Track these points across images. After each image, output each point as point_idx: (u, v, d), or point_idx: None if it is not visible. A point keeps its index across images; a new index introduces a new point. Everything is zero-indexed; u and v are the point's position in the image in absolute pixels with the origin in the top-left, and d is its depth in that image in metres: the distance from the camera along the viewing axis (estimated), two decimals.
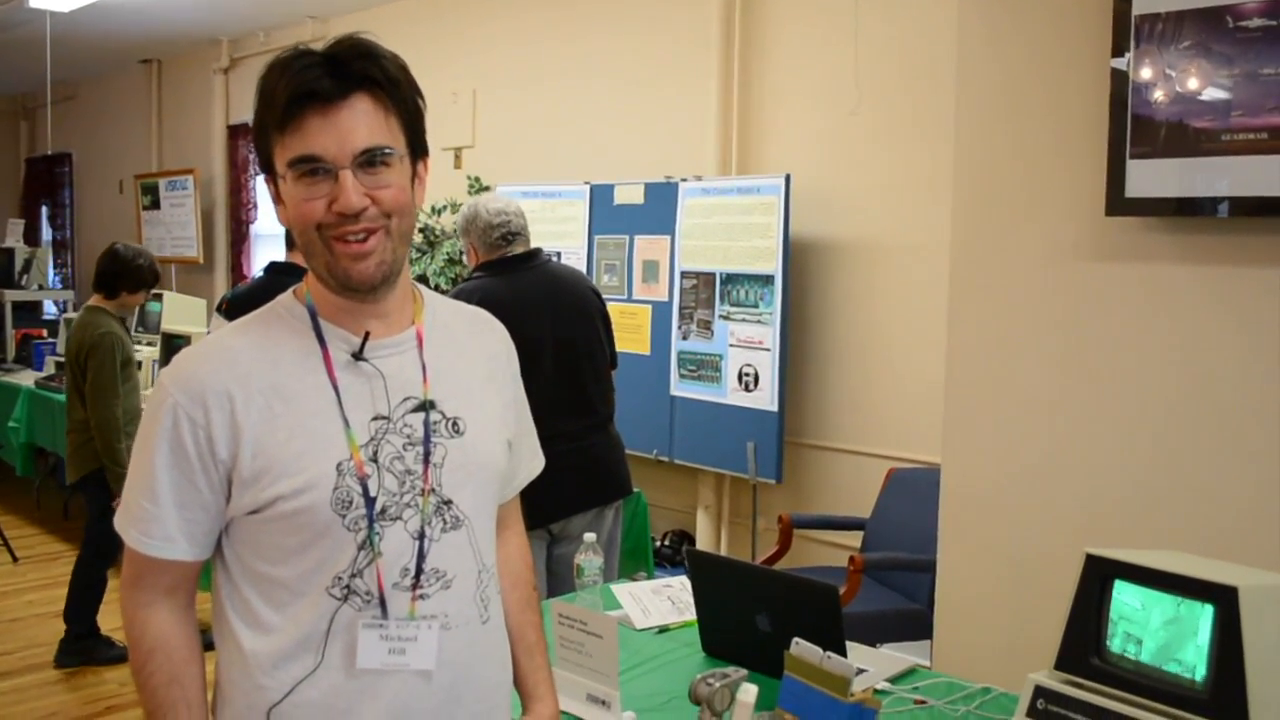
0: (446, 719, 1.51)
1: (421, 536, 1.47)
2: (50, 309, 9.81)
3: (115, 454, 4.72)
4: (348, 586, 1.44)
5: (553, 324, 3.54)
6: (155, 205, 9.57)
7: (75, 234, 11.38)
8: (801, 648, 2.06)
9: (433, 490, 1.49)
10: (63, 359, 7.43)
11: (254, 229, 8.97)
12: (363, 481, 1.43)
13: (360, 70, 1.41)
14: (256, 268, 8.52)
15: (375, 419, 1.47)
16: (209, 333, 4.25)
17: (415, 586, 1.47)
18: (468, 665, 1.53)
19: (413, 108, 1.48)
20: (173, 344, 5.27)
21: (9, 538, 6.54)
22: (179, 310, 6.00)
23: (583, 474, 3.57)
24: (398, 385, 1.50)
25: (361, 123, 1.40)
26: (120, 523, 1.47)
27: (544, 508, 3.49)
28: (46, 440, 6.93)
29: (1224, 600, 1.64)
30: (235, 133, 8.99)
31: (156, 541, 1.44)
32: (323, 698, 1.44)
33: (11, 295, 9.17)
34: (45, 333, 8.77)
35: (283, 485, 1.41)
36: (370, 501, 1.44)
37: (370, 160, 1.41)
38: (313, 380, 1.46)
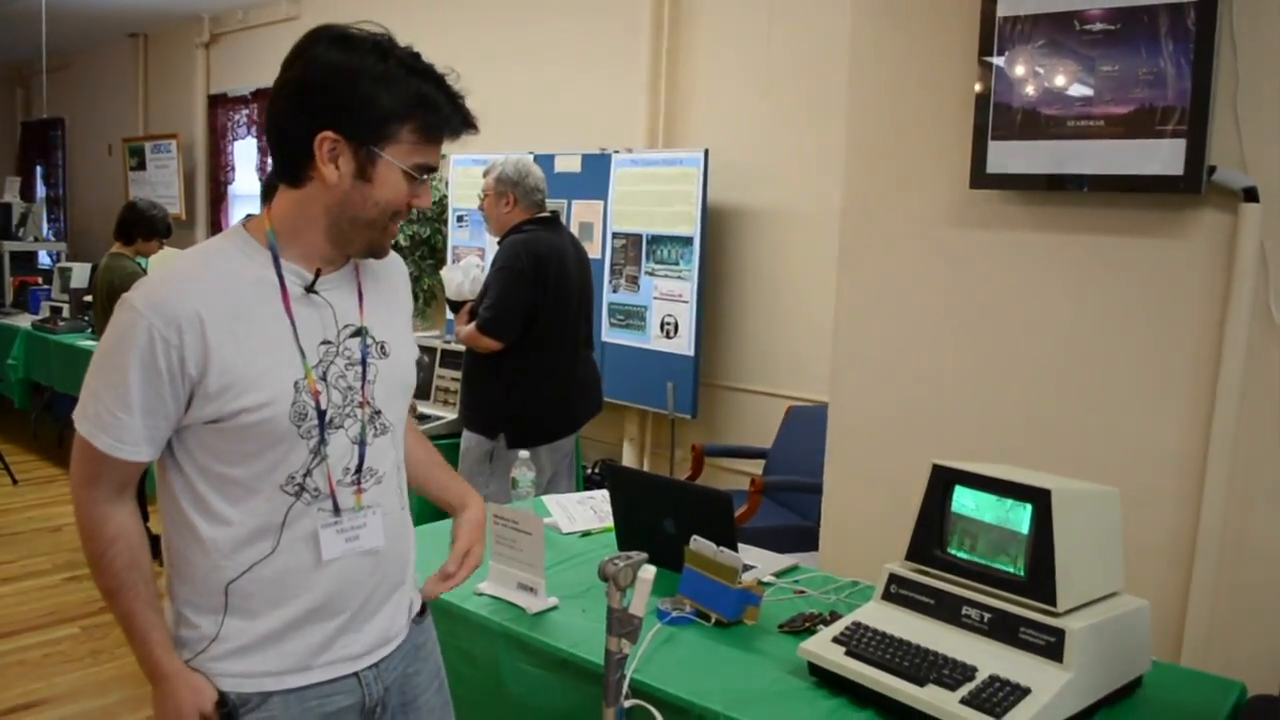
0: (377, 586, 1.63)
1: (362, 442, 1.57)
2: (44, 259, 9.65)
3: None
4: (300, 485, 1.52)
5: (578, 272, 3.90)
6: (141, 167, 9.43)
7: (67, 191, 11.14)
8: (699, 543, 2.18)
9: (367, 403, 1.58)
10: (58, 304, 7.37)
11: (232, 189, 8.85)
12: (315, 398, 1.51)
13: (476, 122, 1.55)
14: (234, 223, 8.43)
15: (323, 343, 1.54)
16: None
17: (357, 483, 1.57)
18: (392, 544, 1.65)
19: None
20: None
21: (9, 462, 6.50)
22: (162, 262, 5.96)
23: (593, 392, 4.07)
24: (341, 314, 1.57)
25: None
26: (88, 429, 1.47)
27: (566, 422, 3.95)
28: (42, 376, 6.88)
29: (1040, 501, 1.77)
30: (215, 102, 8.85)
31: (128, 447, 1.47)
32: (276, 575, 1.53)
33: (9, 246, 9.04)
34: (40, 280, 8.65)
35: (247, 399, 1.46)
36: (321, 414, 1.52)
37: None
38: (270, 309, 1.50)
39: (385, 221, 1.52)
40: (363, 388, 1.57)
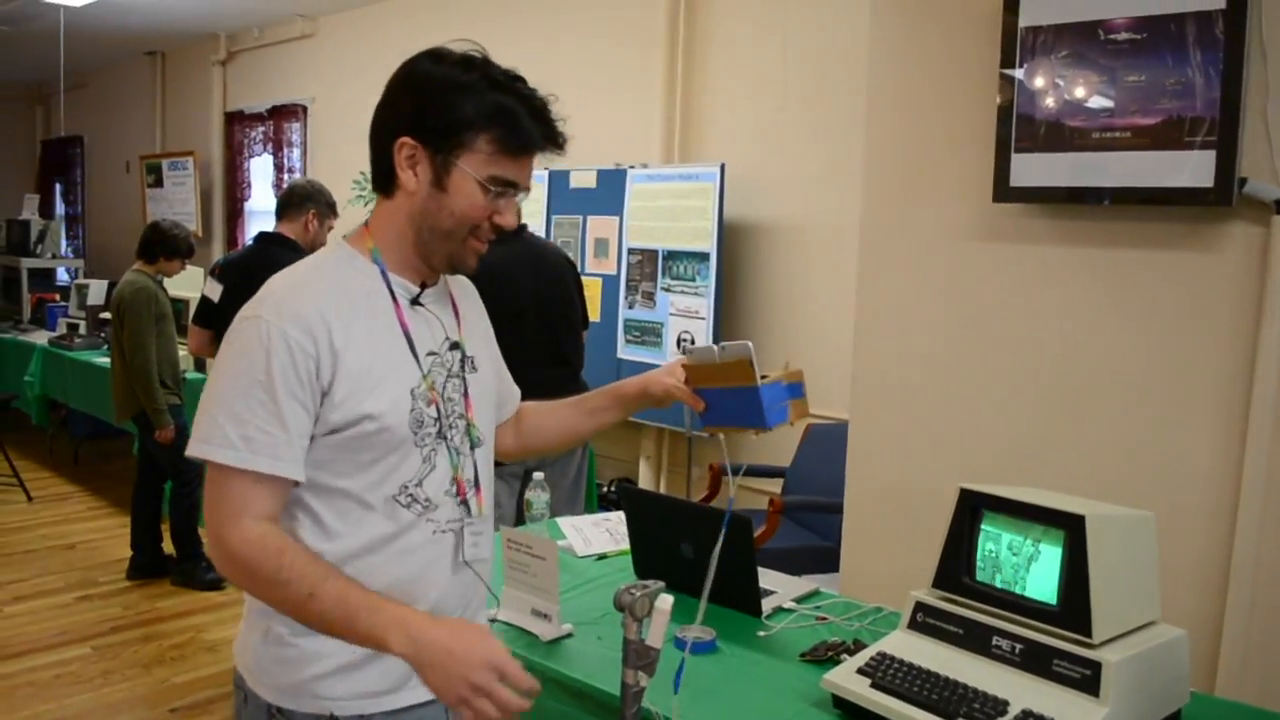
0: (471, 599, 1.63)
1: (472, 450, 1.58)
2: (62, 276, 9.66)
3: (153, 394, 4.76)
4: (411, 495, 1.50)
5: (534, 287, 3.62)
6: (159, 184, 9.44)
7: (85, 209, 11.19)
8: (694, 353, 1.84)
9: (465, 415, 1.58)
10: (74, 320, 7.37)
11: (248, 206, 8.87)
12: (435, 405, 1.52)
13: (563, 140, 1.55)
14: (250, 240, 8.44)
15: (429, 354, 1.54)
16: (204, 296, 4.21)
17: (476, 490, 1.58)
18: (487, 557, 1.65)
19: None
20: (175, 307, 5.22)
21: (24, 480, 6.49)
22: (179, 278, 5.91)
23: None
24: (443, 327, 1.58)
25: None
26: (236, 456, 1.39)
27: None
28: (58, 393, 6.87)
29: (1073, 527, 1.70)
30: (231, 119, 8.87)
31: (288, 464, 1.41)
32: (384, 588, 1.45)
33: (28, 263, 9.06)
34: (58, 297, 8.66)
35: (368, 405, 1.44)
36: (436, 422, 1.52)
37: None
38: (384, 320, 1.50)
39: (464, 234, 1.50)
40: (465, 399, 1.58)
